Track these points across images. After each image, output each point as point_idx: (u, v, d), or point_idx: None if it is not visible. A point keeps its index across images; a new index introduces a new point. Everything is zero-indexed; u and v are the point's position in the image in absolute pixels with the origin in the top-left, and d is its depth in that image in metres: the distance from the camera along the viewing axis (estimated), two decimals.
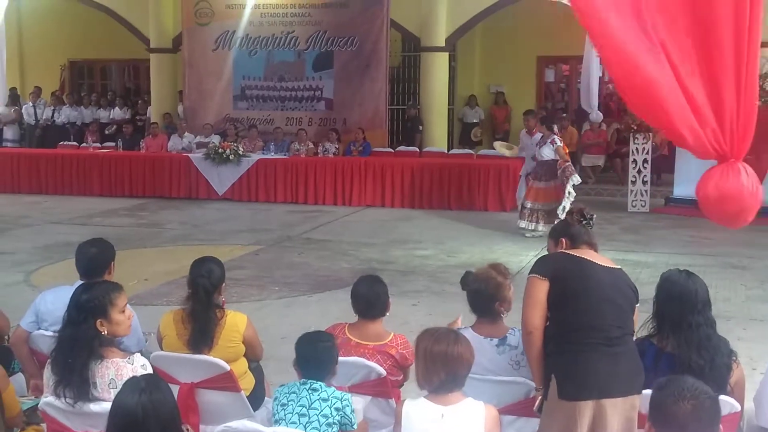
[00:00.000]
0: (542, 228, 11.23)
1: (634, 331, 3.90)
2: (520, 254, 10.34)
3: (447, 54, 16.55)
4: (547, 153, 11.43)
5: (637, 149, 13.96)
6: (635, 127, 13.74)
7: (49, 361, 3.79)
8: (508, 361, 4.10)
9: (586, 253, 4.00)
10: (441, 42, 16.27)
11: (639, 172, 13.94)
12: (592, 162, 16.01)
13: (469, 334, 4.01)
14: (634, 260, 9.91)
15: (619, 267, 4.01)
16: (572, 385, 3.71)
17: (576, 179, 11.18)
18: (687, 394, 2.74)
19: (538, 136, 11.85)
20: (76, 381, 3.62)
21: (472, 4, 15.83)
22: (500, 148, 13.24)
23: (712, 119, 4.16)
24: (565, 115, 16.12)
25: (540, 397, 3.88)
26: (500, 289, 4.15)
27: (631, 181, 14.02)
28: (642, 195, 13.96)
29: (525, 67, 18.15)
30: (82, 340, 3.66)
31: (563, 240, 4.25)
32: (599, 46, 4.57)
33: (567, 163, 11.33)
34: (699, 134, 4.23)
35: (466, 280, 4.24)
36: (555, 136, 11.50)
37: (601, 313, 3.77)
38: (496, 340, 4.12)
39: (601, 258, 4.01)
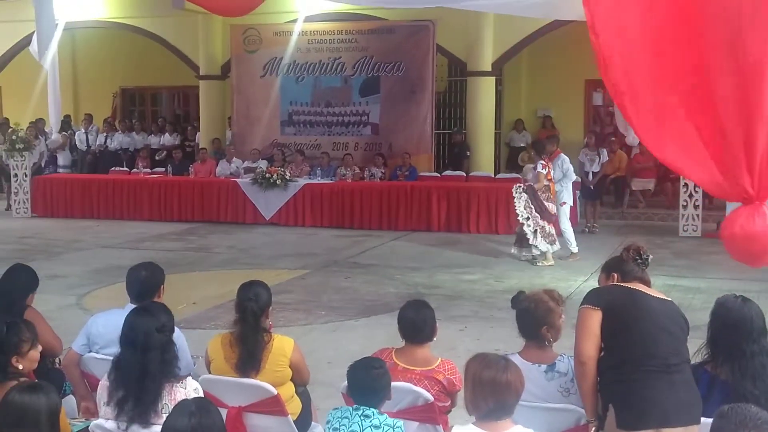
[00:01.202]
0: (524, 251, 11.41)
1: (689, 360, 3.84)
2: (569, 279, 10.25)
3: (494, 78, 16.54)
4: (531, 178, 11.57)
5: None
6: None
7: (107, 383, 3.84)
8: (558, 388, 4.04)
9: (637, 286, 3.99)
10: (487, 66, 16.25)
11: (690, 196, 13.74)
12: (642, 186, 15.82)
13: (517, 360, 3.96)
14: (687, 286, 9.76)
15: (670, 299, 3.98)
16: (632, 414, 3.67)
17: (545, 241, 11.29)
18: (749, 423, 2.68)
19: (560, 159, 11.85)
20: (142, 404, 3.69)
21: (518, 28, 15.80)
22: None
23: (744, 163, 4.12)
24: (614, 138, 15.97)
25: (594, 429, 3.83)
26: (550, 315, 4.09)
27: (683, 205, 13.82)
28: (693, 219, 13.75)
29: (573, 90, 18.05)
30: (152, 364, 3.75)
31: (615, 275, 4.24)
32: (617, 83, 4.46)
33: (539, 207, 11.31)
34: (720, 180, 4.17)
35: (517, 299, 4.21)
36: (540, 162, 11.45)
37: (658, 341, 3.74)
38: (544, 367, 4.07)
39: (653, 290, 3.99)
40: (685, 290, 9.42)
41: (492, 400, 3.32)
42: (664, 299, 3.97)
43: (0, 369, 3.84)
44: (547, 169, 11.40)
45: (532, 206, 11.23)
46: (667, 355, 3.74)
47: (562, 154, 11.92)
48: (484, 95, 16.38)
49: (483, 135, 16.49)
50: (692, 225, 13.73)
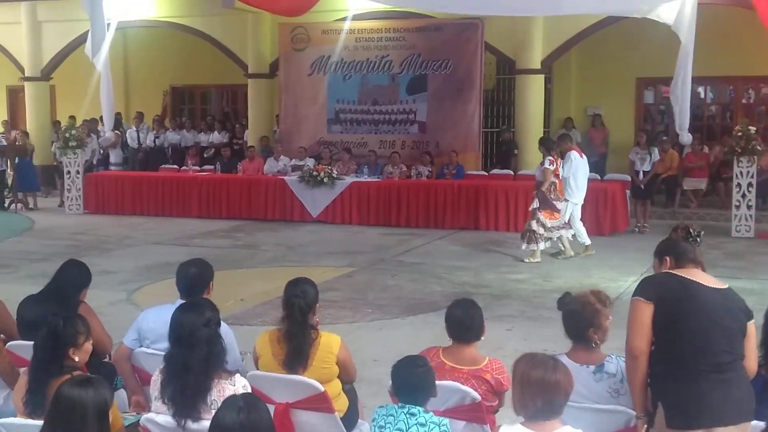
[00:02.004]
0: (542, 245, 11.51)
1: (744, 356, 3.74)
2: (618, 280, 10.13)
3: (542, 76, 16.42)
4: (538, 174, 11.67)
5: (741, 172, 13.53)
6: (739, 150, 13.33)
7: (158, 378, 3.90)
8: (607, 389, 3.98)
9: (692, 273, 3.87)
10: (537, 64, 16.14)
11: (743, 196, 13.51)
12: (694, 185, 15.59)
13: (564, 361, 3.87)
14: (739, 287, 9.51)
15: (727, 287, 3.86)
16: (682, 414, 3.61)
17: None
18: None
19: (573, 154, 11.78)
20: (192, 399, 3.74)
21: (568, 26, 15.66)
22: None
23: None
24: (665, 137, 15.76)
25: (646, 426, 3.77)
26: (596, 316, 4.01)
27: (735, 205, 13.59)
28: (746, 220, 13.51)
29: (623, 88, 17.85)
30: (198, 359, 3.80)
31: (668, 258, 4.10)
32: None
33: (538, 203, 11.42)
34: None
35: (564, 301, 4.16)
36: (547, 158, 11.43)
37: (710, 338, 3.65)
38: (593, 368, 4.00)
39: (708, 278, 3.86)
40: (738, 291, 9.18)
41: (540, 400, 3.29)
42: (720, 288, 3.83)
43: (56, 362, 3.91)
44: (554, 165, 11.40)
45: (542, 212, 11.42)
46: (719, 352, 3.65)
47: (572, 152, 11.80)
48: (533, 93, 16.27)
49: (531, 133, 16.33)
50: (745, 225, 13.49)
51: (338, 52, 16.72)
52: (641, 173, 14.44)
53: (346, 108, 17.02)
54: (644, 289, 3.85)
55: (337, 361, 4.46)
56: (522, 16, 14.25)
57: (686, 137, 12.80)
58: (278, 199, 15.53)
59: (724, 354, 3.64)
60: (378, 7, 16.13)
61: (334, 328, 6.55)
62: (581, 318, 4.02)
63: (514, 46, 16.28)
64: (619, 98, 17.90)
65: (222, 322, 4.74)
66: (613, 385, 3.98)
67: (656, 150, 14.70)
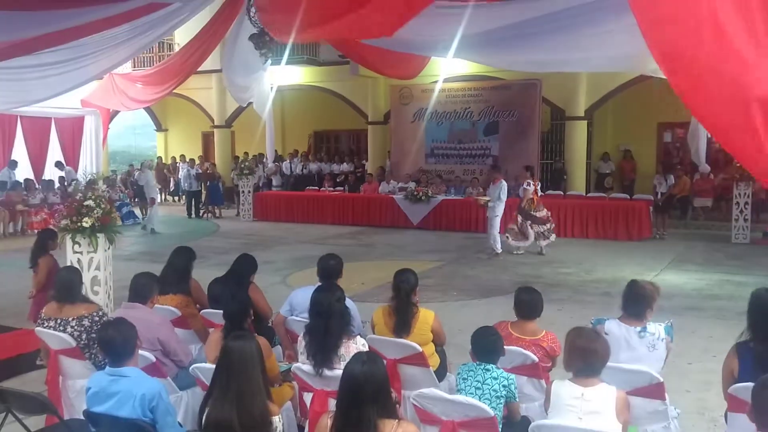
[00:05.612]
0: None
1: None
2: (643, 274, 9.69)
3: (586, 121, 15.99)
4: (520, 192, 11.70)
5: (739, 194, 12.84)
6: (738, 177, 12.68)
7: (305, 342, 3.94)
8: (646, 345, 3.96)
9: None
10: (581, 113, 15.77)
11: (741, 211, 12.80)
12: (702, 203, 14.86)
13: (614, 323, 3.97)
14: (738, 281, 9.08)
15: None
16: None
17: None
18: None
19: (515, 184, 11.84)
20: (328, 355, 3.79)
21: (606, 82, 15.22)
22: (481, 199, 12.38)
23: None
24: (679, 167, 15.06)
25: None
26: (652, 301, 4.05)
27: (735, 218, 12.88)
28: (743, 230, 12.79)
29: (648, 130, 17.22)
30: (335, 325, 3.86)
31: None
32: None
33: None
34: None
35: (635, 284, 4.13)
36: (528, 181, 11.57)
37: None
38: (638, 328, 4.00)
39: None
40: (737, 284, 8.76)
41: (582, 362, 3.25)
42: None
43: (239, 328, 3.99)
44: (532, 186, 11.60)
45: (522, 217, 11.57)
46: None
47: (502, 180, 11.57)
48: (578, 134, 15.91)
49: (577, 164, 16.00)
50: (742, 234, 12.77)
51: (433, 105, 16.70)
52: (659, 194, 13.89)
53: (439, 146, 16.98)
54: None
55: (431, 330, 4.45)
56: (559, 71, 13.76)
57: (704, 167, 12.31)
58: (388, 211, 15.60)
59: None
60: (463, 72, 16.05)
61: (429, 306, 6.49)
62: (646, 300, 4.01)
63: (564, 99, 15.93)
64: (645, 138, 17.27)
65: (349, 299, 4.81)
66: (651, 341, 3.95)
67: (671, 176, 14.11)
